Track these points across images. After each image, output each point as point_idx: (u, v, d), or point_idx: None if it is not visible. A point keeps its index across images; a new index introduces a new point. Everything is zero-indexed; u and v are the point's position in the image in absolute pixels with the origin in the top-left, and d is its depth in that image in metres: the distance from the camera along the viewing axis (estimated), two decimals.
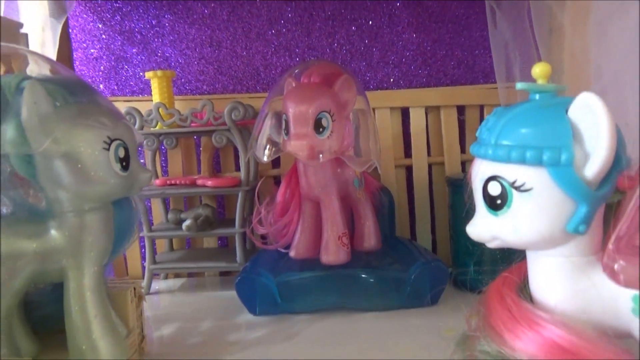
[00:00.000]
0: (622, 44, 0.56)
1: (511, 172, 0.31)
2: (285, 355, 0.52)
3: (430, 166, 0.83)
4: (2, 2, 0.62)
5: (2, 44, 0.46)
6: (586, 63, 0.61)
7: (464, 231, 0.35)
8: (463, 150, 0.82)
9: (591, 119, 0.30)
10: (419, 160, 0.82)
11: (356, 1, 0.83)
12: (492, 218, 0.33)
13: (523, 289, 0.36)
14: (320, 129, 0.57)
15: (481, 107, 0.83)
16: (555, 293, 0.33)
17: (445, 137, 0.82)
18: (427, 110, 0.83)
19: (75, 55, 0.84)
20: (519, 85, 0.34)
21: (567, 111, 0.31)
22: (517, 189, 0.31)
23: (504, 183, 0.32)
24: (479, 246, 0.36)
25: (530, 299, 0.35)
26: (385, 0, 0.83)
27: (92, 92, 0.44)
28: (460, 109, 0.83)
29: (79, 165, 0.39)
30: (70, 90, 0.41)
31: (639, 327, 0.31)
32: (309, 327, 0.59)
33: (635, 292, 0.30)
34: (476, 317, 0.37)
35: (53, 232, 0.41)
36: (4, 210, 0.42)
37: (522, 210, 0.32)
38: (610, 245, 0.31)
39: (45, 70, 0.47)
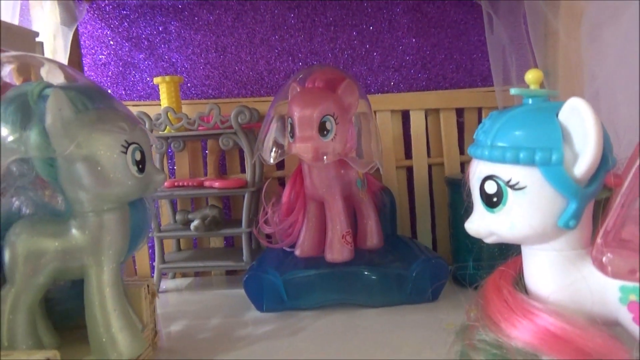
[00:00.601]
0: (614, 49, 0.58)
1: (506, 171, 0.34)
2: (292, 349, 0.54)
3: (430, 167, 0.85)
4: (17, 12, 0.65)
5: (22, 53, 0.49)
6: (580, 66, 0.63)
7: (463, 229, 0.37)
8: (462, 151, 0.85)
9: (579, 121, 0.32)
10: (419, 161, 0.85)
11: (357, 7, 0.86)
12: (489, 215, 0.35)
13: (519, 282, 0.38)
14: (325, 132, 0.60)
15: (479, 110, 0.85)
16: (548, 284, 0.35)
17: (444, 139, 0.85)
18: (427, 112, 0.85)
19: (84, 61, 0.86)
20: (513, 91, 0.36)
21: (557, 114, 0.33)
22: (512, 187, 0.33)
23: (500, 182, 0.34)
24: (478, 243, 0.39)
25: (525, 290, 0.37)
26: (385, 6, 0.86)
27: (109, 98, 0.46)
28: (459, 112, 0.85)
29: (99, 168, 0.42)
30: (89, 97, 0.43)
31: (626, 315, 0.33)
32: (314, 322, 0.61)
33: (622, 282, 0.32)
34: (475, 309, 0.39)
35: (74, 231, 0.43)
36: (27, 210, 0.44)
37: (517, 207, 0.34)
38: (598, 239, 0.33)
39: (62, 78, 0.50)
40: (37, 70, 0.51)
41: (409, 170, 0.86)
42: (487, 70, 0.82)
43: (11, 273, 0.43)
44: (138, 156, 0.44)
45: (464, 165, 0.84)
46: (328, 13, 0.86)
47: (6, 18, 0.63)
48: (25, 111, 0.42)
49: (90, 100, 0.43)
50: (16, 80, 0.51)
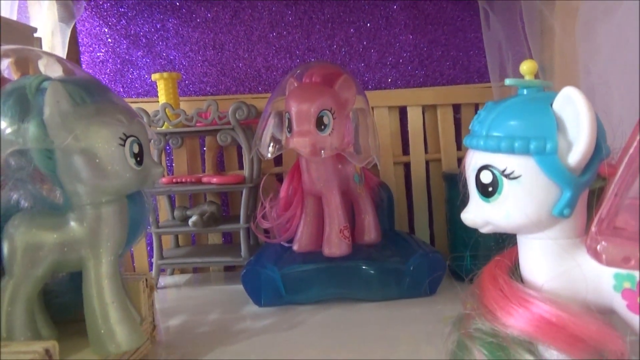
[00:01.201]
0: (607, 44, 0.59)
1: (501, 161, 0.34)
2: (290, 344, 0.54)
3: (427, 163, 0.86)
4: (15, 8, 0.65)
5: (20, 46, 0.49)
6: (575, 62, 0.64)
7: (460, 224, 0.38)
8: (459, 147, 0.85)
9: (573, 111, 0.32)
10: (417, 157, 0.85)
11: (354, 4, 0.86)
12: (485, 204, 0.36)
13: (514, 271, 0.38)
14: (322, 127, 0.60)
15: (476, 106, 0.86)
16: (543, 273, 0.35)
17: (441, 135, 0.85)
18: (424, 109, 0.85)
19: (82, 59, 0.87)
20: (508, 81, 0.36)
21: (551, 104, 0.34)
22: (507, 176, 0.34)
23: (495, 171, 0.34)
24: (475, 237, 0.39)
25: (520, 279, 0.37)
26: (382, 2, 0.86)
27: (107, 91, 0.46)
28: (456, 108, 0.86)
29: (97, 160, 0.42)
30: (87, 90, 0.43)
31: (620, 302, 0.33)
32: (312, 317, 0.61)
33: (616, 270, 0.33)
34: (471, 299, 0.39)
35: (72, 223, 0.43)
36: (25, 204, 0.45)
37: (512, 196, 0.34)
38: (592, 228, 0.33)
39: (60, 72, 0.50)
40: (36, 64, 0.51)
41: (407, 166, 0.86)
42: (484, 66, 0.82)
43: (10, 265, 0.43)
44: (136, 149, 0.44)
45: (461, 161, 0.84)
46: (325, 10, 0.86)
47: (4, 15, 0.63)
48: (24, 104, 0.42)
49: (88, 93, 0.43)
50: (14, 74, 0.51)
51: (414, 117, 0.85)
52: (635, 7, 0.55)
